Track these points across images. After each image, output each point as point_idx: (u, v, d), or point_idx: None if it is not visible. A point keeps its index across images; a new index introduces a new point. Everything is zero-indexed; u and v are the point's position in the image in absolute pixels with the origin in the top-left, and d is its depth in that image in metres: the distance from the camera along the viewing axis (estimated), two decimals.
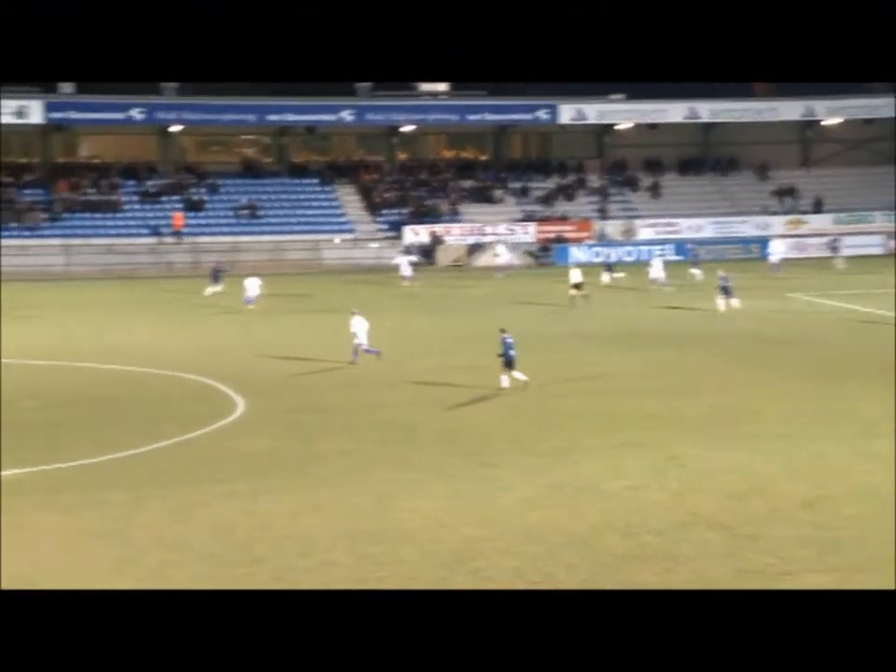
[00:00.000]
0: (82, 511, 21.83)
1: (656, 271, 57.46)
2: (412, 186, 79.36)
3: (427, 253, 71.63)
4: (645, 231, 77.22)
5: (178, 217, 71.57)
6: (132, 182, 74.97)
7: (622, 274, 59.96)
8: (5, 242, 67.82)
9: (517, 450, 26.37)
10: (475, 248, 73.24)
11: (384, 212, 76.41)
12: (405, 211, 76.52)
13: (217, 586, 17.94)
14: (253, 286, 50.86)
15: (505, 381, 31.80)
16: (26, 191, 72.24)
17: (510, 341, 31.75)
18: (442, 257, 71.86)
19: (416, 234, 73.22)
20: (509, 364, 31.76)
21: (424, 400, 31.36)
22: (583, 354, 39.35)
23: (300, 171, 78.77)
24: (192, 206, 73.91)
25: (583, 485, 23.49)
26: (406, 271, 61.57)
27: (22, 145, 75.43)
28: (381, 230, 75.26)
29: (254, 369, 36.43)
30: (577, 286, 50.43)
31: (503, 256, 66.63)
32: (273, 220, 74.58)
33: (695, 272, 60.42)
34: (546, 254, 73.57)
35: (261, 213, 74.70)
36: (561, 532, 20.56)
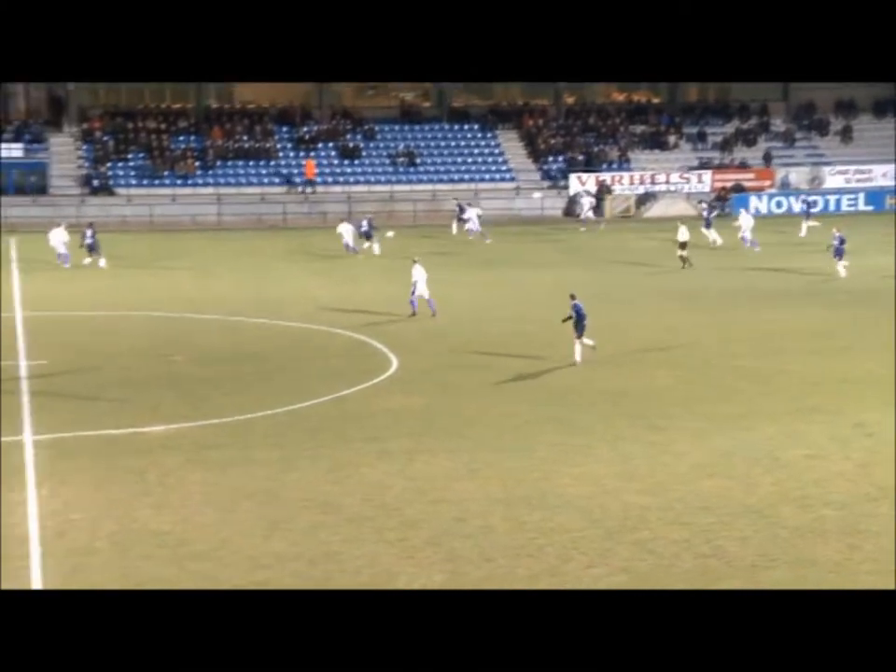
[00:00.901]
0: (233, 469, 22.42)
1: (745, 227, 55.00)
2: (578, 131, 78.66)
3: (594, 202, 71.02)
4: (833, 180, 75.13)
5: (310, 166, 72.17)
6: (286, 128, 76.11)
7: (817, 223, 58.27)
8: (158, 190, 69.70)
9: (687, 413, 26.08)
10: (645, 198, 72.33)
11: (548, 159, 76.00)
12: (571, 158, 75.98)
13: (369, 550, 18.26)
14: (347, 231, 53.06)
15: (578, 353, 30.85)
16: (180, 138, 73.99)
17: (581, 307, 30.88)
18: (610, 207, 71.19)
19: (582, 183, 72.65)
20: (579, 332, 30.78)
21: (585, 359, 31.22)
22: (750, 311, 38.60)
23: (460, 116, 78.79)
24: (347, 153, 74.67)
25: (758, 453, 23.12)
26: (587, 212, 64.16)
27: (176, 90, 77.23)
28: (544, 178, 74.91)
29: (408, 324, 36.73)
30: (683, 244, 48.82)
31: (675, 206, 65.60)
32: (431, 168, 74.87)
33: (812, 224, 58.48)
34: (722, 204, 72.23)
35: (419, 160, 75.06)
36: (733, 502, 20.29)
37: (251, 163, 73.16)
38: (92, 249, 49.90)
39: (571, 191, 72.31)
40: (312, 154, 74.32)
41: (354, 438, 24.46)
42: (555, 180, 74.77)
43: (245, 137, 74.58)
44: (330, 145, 75.37)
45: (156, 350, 33.11)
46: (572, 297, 31.24)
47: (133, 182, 70.39)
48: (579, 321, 30.76)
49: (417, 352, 32.70)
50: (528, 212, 71.09)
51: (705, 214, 58.76)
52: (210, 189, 70.72)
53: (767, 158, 76.73)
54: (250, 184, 72.04)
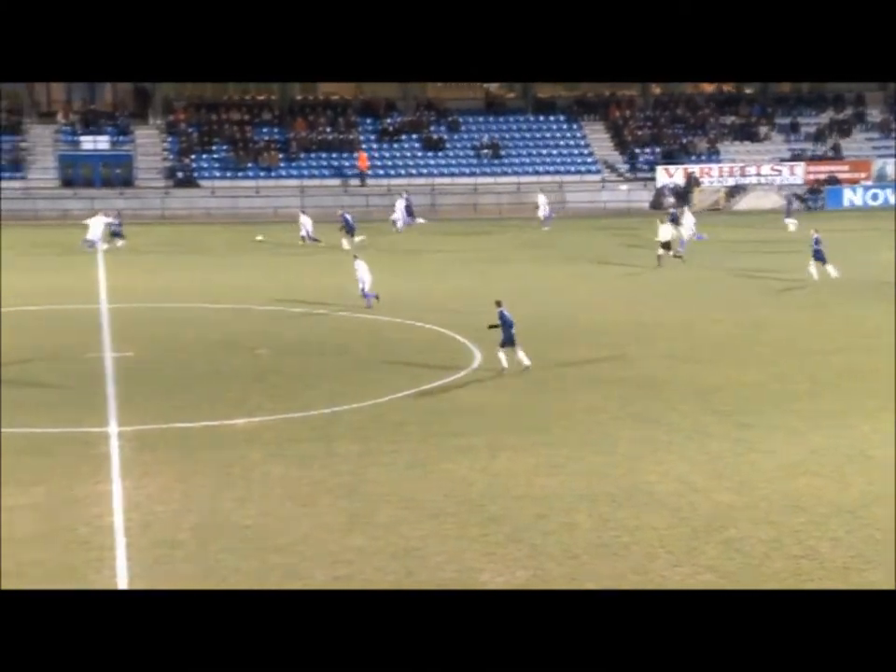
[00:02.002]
0: (315, 463, 22.61)
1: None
2: (666, 122, 78.18)
3: (681, 195, 70.53)
4: None
5: (363, 158, 72.36)
6: (369, 120, 76.53)
7: None
8: (241, 182, 70.45)
9: (776, 410, 25.83)
10: (735, 191, 71.65)
11: (635, 151, 75.59)
12: (658, 150, 75.51)
13: (451, 546, 18.32)
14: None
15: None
16: (263, 130, 74.69)
17: (507, 315, 29.16)
18: (698, 200, 70.63)
19: (670, 175, 72.19)
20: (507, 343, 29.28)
21: (675, 355, 31.01)
22: (843, 306, 38.10)
23: (545, 107, 78.68)
24: (431, 145, 74.89)
25: (851, 451, 22.84)
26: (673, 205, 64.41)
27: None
28: (631, 170, 74.53)
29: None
30: (666, 244, 48.00)
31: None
32: (516, 160, 74.84)
33: (789, 221, 57.72)
34: (815, 197, 71.33)
35: (503, 152, 75.06)
36: (825, 501, 20.08)
37: (334, 155, 73.60)
38: (116, 235, 52.12)
39: (658, 184, 71.88)
40: (395, 145, 74.57)
41: (436, 433, 24.55)
42: (642, 172, 74.33)
43: (329, 129, 75.09)
44: (414, 136, 75.62)
45: (241, 343, 33.49)
46: (498, 304, 29.63)
47: (217, 174, 71.19)
48: (505, 329, 29.07)
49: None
50: (614, 204, 70.77)
51: (785, 205, 58.32)
52: (293, 181, 71.30)
53: (836, 149, 75.67)
54: (333, 175, 72.49)
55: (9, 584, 16.73)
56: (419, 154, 74.55)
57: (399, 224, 60.20)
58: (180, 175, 70.22)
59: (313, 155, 73.33)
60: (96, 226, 52.03)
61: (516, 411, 26.29)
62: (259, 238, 53.90)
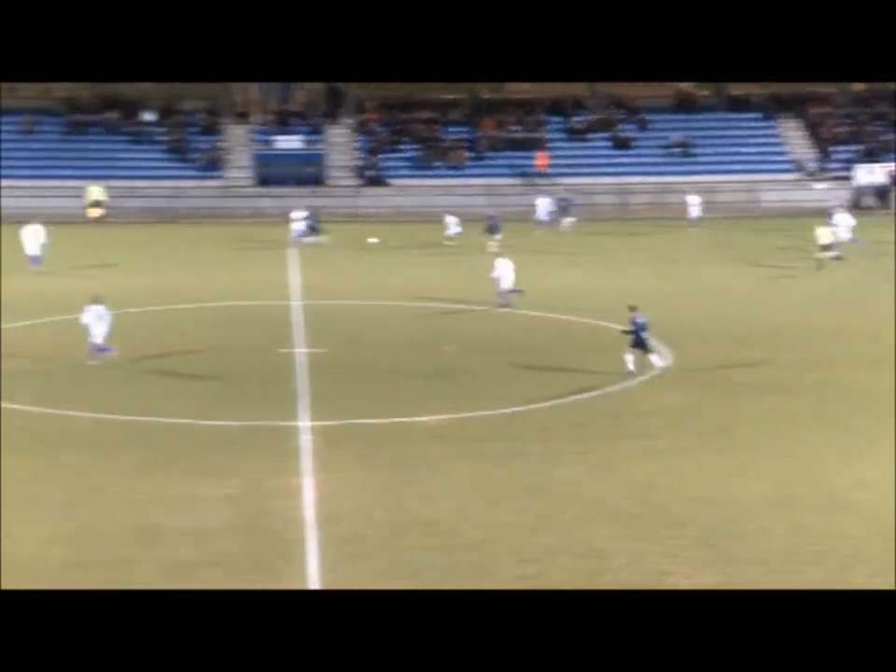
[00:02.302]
0: (501, 461, 22.79)
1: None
2: (867, 119, 76.05)
3: (881, 195, 68.57)
4: None
5: (542, 157, 72.03)
6: (557, 118, 76.46)
7: None
8: (429, 181, 71.16)
9: None
10: None
11: (832, 149, 73.74)
12: (858, 148, 73.50)
13: (636, 548, 18.27)
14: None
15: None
16: (451, 129, 75.31)
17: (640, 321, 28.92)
18: None
19: (870, 174, 70.18)
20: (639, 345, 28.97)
21: (871, 358, 30.24)
22: None
23: (739, 104, 77.34)
24: (619, 143, 74.43)
25: None
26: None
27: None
28: (828, 169, 72.74)
29: (682, 318, 36.40)
30: (827, 247, 45.88)
31: None
32: (707, 159, 73.76)
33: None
34: None
35: (694, 151, 74.10)
36: None
37: (521, 154, 73.74)
38: (314, 230, 53.00)
39: (858, 182, 70.00)
40: (583, 144, 74.36)
41: (621, 434, 24.48)
42: (839, 171, 72.50)
43: (517, 128, 75.26)
44: (602, 135, 75.23)
45: (428, 341, 33.90)
46: (631, 308, 29.58)
47: (406, 173, 72.05)
48: (637, 334, 28.85)
49: (689, 347, 32.37)
50: (809, 204, 69.17)
51: None
52: (480, 180, 71.69)
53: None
54: (520, 174, 72.63)
55: (208, 573, 17.34)
56: (607, 153, 74.14)
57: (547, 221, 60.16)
58: (370, 173, 71.31)
59: (500, 153, 73.62)
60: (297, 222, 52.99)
61: (702, 412, 26.03)
62: (373, 240, 52.52)
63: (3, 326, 34.66)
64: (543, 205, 61.57)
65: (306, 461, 22.78)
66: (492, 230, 53.57)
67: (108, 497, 20.71)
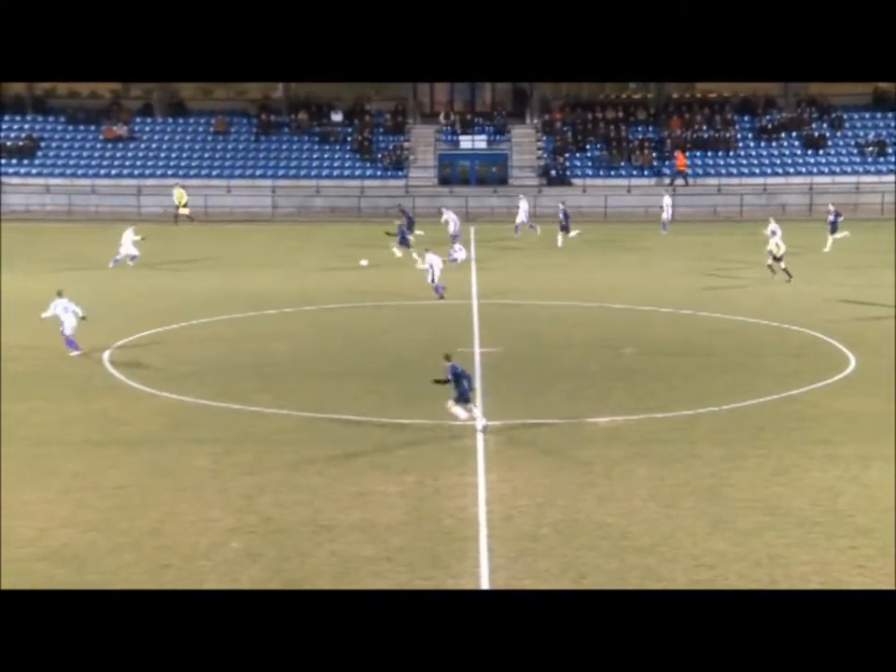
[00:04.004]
0: (678, 464, 22.49)
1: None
2: None
3: None
4: None
5: (681, 157, 70.51)
6: (747, 118, 75.15)
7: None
8: (613, 181, 70.77)
9: None
10: None
11: None
12: None
13: (817, 556, 17.82)
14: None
15: None
16: (637, 129, 74.72)
17: (459, 369, 24.40)
18: None
19: None
20: None
21: None
22: None
23: None
24: (811, 143, 72.79)
25: None
26: None
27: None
28: None
29: (870, 322, 35.39)
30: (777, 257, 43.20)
31: None
32: None
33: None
34: None
35: (890, 150, 71.97)
36: None
37: (709, 154, 72.75)
38: (411, 230, 52.38)
39: None
40: (773, 144, 72.96)
41: (803, 439, 23.90)
42: None
43: (705, 127, 74.25)
44: (794, 134, 73.69)
45: (606, 341, 33.68)
46: (447, 358, 24.88)
47: (590, 173, 71.79)
48: (457, 384, 24.45)
49: (878, 352, 31.45)
50: None
51: None
52: (666, 180, 70.95)
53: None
54: (707, 174, 71.66)
55: (380, 568, 17.54)
56: (798, 152, 72.58)
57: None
58: (553, 173, 71.23)
59: (687, 154, 72.67)
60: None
61: (880, 419, 25.19)
62: (363, 262, 47.97)
63: (198, 321, 35.74)
64: (667, 205, 60.35)
65: (481, 460, 22.85)
66: (563, 226, 53.45)
67: (289, 491, 21.12)
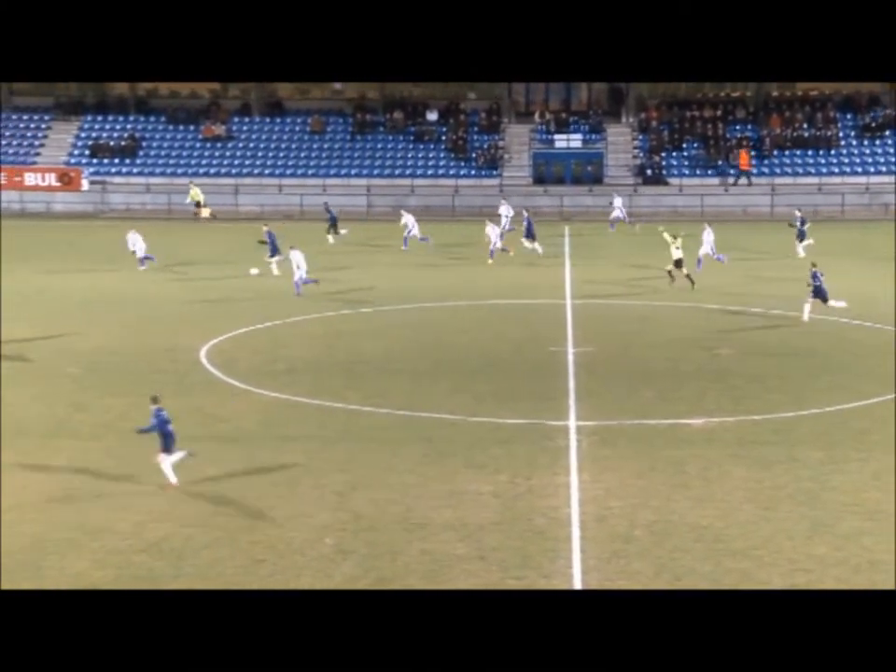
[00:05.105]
0: (776, 467, 22.17)
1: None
2: None
3: None
4: None
5: (744, 156, 69.17)
6: (850, 115, 73.93)
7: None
8: (710, 181, 70.03)
9: None
10: None
11: None
12: None
13: None
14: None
15: None
16: (736, 127, 73.81)
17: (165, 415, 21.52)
18: None
19: None
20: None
21: None
22: None
23: None
24: None
25: None
26: None
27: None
28: None
29: None
30: (678, 262, 41.69)
31: None
32: None
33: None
34: None
35: None
36: None
37: (809, 153, 71.70)
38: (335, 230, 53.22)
39: None
40: (877, 142, 71.71)
41: None
42: None
43: (805, 125, 73.18)
44: None
45: (701, 342, 33.32)
46: (154, 400, 21.87)
47: (686, 172, 71.12)
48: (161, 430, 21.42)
49: None
50: None
51: None
52: (763, 179, 70.07)
53: None
54: (807, 174, 70.61)
55: (472, 567, 17.50)
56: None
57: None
58: (649, 172, 70.70)
59: (786, 153, 71.73)
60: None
61: None
62: (255, 271, 44.66)
63: (293, 319, 36.05)
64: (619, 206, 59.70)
65: (574, 460, 22.71)
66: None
67: (381, 488, 21.16)
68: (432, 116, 75.06)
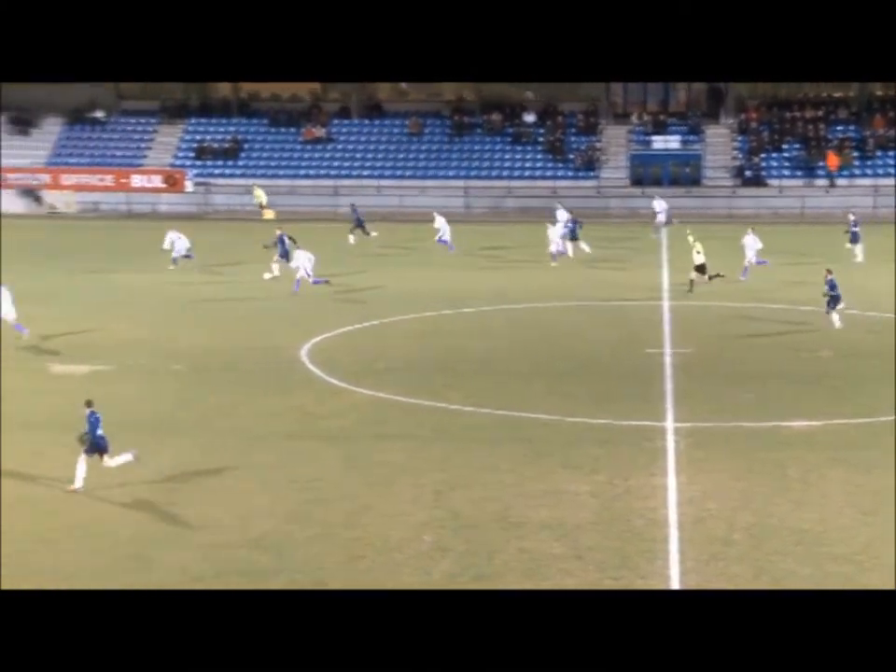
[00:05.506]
0: (878, 471, 21.86)
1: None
2: None
3: None
4: None
5: (832, 158, 67.71)
6: None
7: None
8: (811, 182, 69.08)
9: None
10: None
11: None
12: None
13: None
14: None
15: None
16: (837, 128, 72.72)
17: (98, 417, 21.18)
18: None
19: None
20: None
21: None
22: None
23: None
24: None
25: None
26: None
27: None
28: None
29: None
30: (700, 267, 40.42)
31: None
32: None
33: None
34: None
35: None
36: None
37: None
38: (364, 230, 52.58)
39: None
40: None
41: None
42: None
43: None
44: None
45: (799, 343, 32.91)
46: (88, 404, 21.36)
47: (786, 173, 70.23)
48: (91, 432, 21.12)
49: None
50: None
51: None
52: (867, 181, 68.98)
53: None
54: None
55: (570, 566, 17.50)
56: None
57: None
58: (748, 173, 69.94)
59: (891, 153, 70.50)
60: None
61: None
62: (268, 276, 43.78)
63: (393, 318, 36.29)
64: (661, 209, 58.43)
65: (671, 462, 22.59)
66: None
67: (479, 487, 21.23)
68: (529, 117, 74.97)
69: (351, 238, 54.17)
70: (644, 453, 23.14)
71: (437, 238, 52.83)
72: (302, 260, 41.36)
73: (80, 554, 18.08)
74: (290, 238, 44.69)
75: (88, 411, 21.32)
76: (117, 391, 27.30)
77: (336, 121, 76.38)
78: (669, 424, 25.00)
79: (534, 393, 27.81)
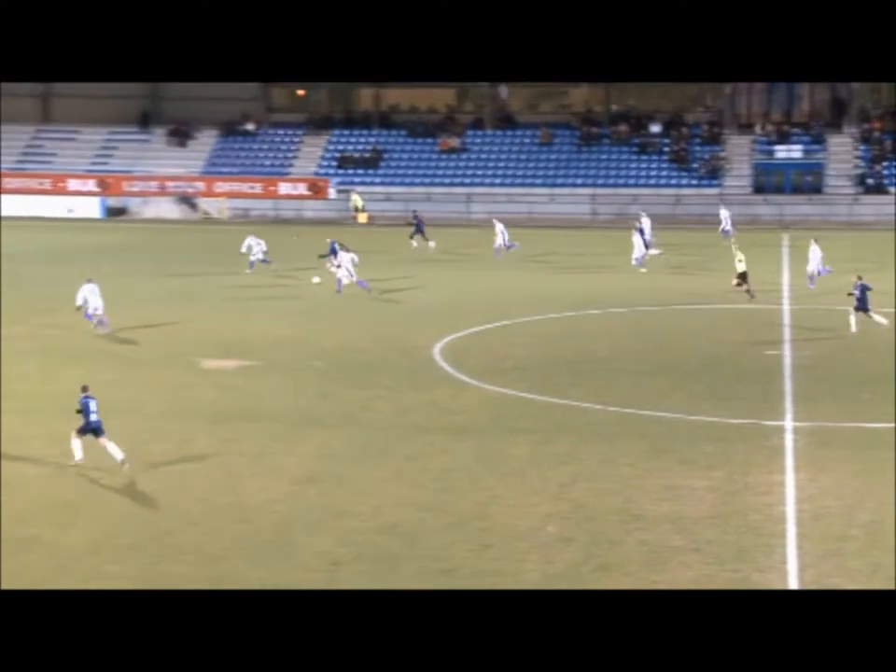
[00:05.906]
0: None
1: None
2: None
3: None
4: None
5: None
6: None
7: None
8: None
9: None
10: None
11: None
12: None
13: None
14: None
15: None
16: None
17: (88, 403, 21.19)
18: None
19: None
20: None
21: None
22: None
23: None
24: None
25: None
26: None
27: None
28: None
29: None
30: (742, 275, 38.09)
31: None
32: None
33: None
34: None
35: None
36: None
37: None
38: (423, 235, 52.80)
39: None
40: None
41: None
42: None
43: None
44: None
45: None
46: (84, 389, 21.51)
47: None
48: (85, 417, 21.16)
49: None
50: None
51: None
52: None
53: None
54: None
55: (689, 559, 17.27)
56: None
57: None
58: (870, 181, 68.34)
59: None
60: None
61: None
62: (316, 280, 43.20)
63: (520, 319, 36.27)
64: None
65: (790, 459, 22.16)
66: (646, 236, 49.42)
67: (601, 480, 21.10)
68: (655, 128, 74.30)
69: (414, 243, 54.04)
70: (762, 450, 22.74)
71: (499, 244, 51.47)
72: (346, 261, 41.41)
73: (226, 539, 18.38)
74: (341, 245, 44.29)
75: (82, 395, 21.23)
76: (262, 385, 27.71)
77: (470, 132, 76.60)
78: (788, 423, 24.54)
79: (656, 391, 27.53)
